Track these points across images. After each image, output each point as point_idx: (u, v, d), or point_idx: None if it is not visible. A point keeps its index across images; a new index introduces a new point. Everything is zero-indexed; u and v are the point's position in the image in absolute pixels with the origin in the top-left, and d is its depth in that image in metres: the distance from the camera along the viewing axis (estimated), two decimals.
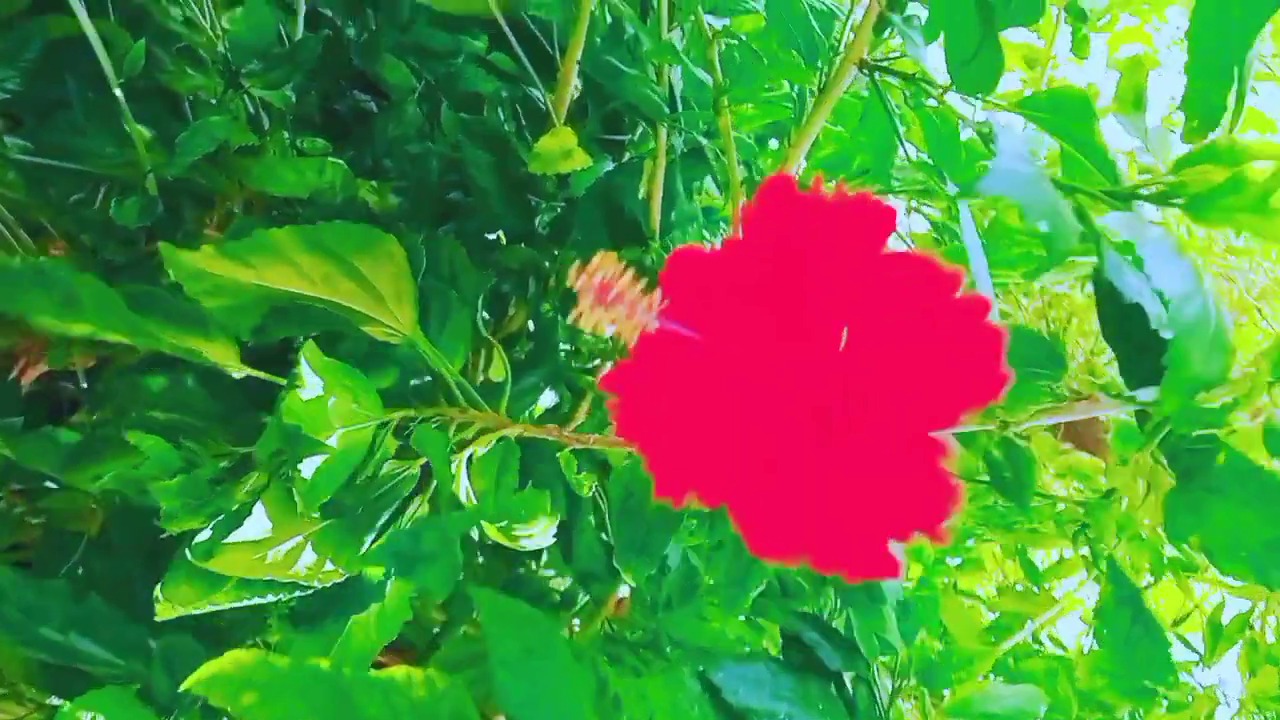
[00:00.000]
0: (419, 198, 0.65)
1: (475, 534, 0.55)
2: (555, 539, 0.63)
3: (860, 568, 0.30)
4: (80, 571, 0.63)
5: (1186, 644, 1.21)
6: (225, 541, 0.47)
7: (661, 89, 0.58)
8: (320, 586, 0.50)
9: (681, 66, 0.57)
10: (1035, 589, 1.25)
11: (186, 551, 0.46)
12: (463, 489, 0.53)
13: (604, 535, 0.68)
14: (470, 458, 0.54)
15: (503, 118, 0.80)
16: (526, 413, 0.70)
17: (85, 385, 0.68)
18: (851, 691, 0.63)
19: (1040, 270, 0.46)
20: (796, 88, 0.53)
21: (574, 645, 0.51)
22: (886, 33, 0.49)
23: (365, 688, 0.38)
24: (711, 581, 0.69)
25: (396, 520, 0.53)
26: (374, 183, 0.64)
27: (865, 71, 0.45)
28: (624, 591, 0.79)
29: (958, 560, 1.21)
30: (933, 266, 0.29)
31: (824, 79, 0.49)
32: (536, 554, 0.76)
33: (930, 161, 0.58)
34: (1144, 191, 0.42)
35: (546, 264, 0.68)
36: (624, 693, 0.57)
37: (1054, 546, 1.32)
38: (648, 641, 0.77)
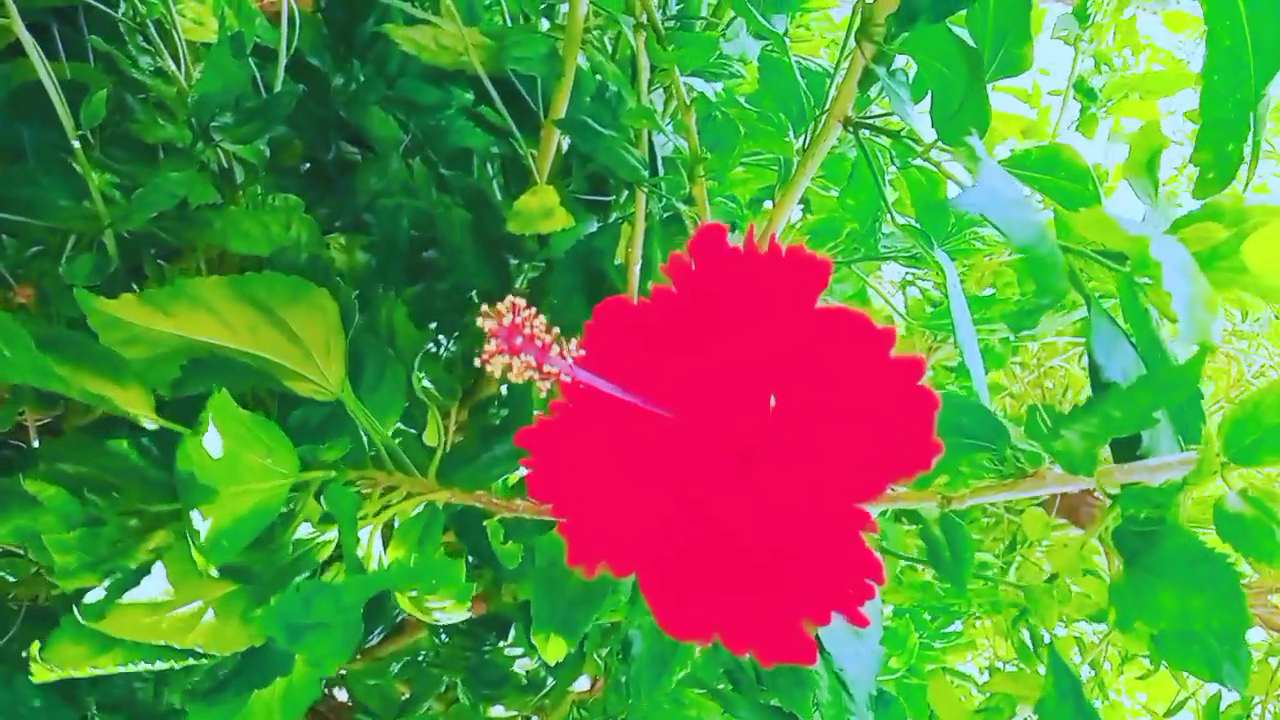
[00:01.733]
0: (388, 255, 0.62)
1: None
2: (515, 615, 0.60)
3: (774, 650, 0.28)
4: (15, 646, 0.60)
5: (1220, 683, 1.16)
6: (120, 602, 0.44)
7: (640, 152, 0.57)
8: (220, 656, 0.47)
9: (661, 130, 0.55)
10: (1027, 669, 1.20)
11: (75, 610, 0.44)
12: (376, 556, 0.50)
13: None
14: (392, 525, 0.52)
15: (491, 173, 0.78)
16: (500, 482, 0.67)
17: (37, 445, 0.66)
18: None
19: (1028, 318, 0.43)
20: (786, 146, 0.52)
21: None
22: (874, 91, 0.48)
23: None
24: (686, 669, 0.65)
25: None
26: (343, 240, 0.61)
27: (851, 130, 0.44)
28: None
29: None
30: (866, 324, 0.28)
31: (809, 139, 0.47)
32: (504, 633, 0.72)
33: (918, 225, 0.56)
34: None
35: None
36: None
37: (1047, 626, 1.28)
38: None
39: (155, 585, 0.45)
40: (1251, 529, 0.39)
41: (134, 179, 0.62)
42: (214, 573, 0.45)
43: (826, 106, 0.46)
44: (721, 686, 0.64)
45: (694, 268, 0.31)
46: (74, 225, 0.56)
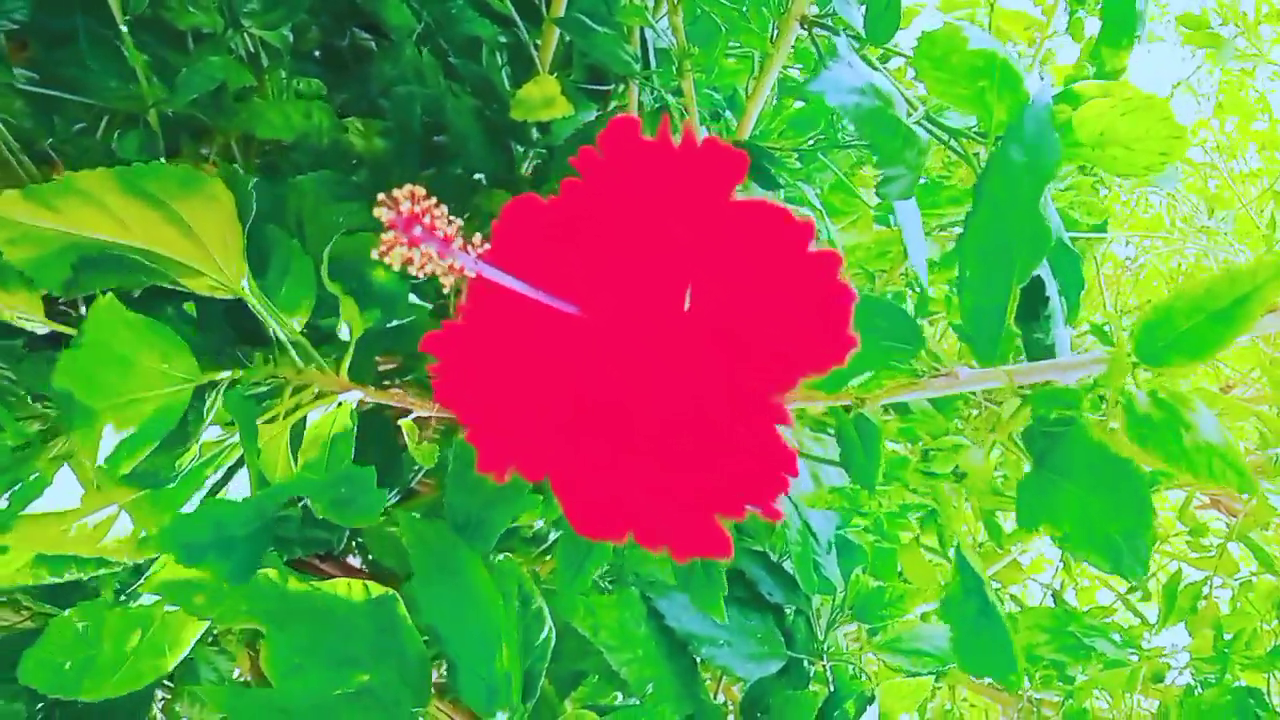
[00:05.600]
0: (404, 141, 0.67)
1: None
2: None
3: (688, 545, 0.28)
4: None
5: (1137, 613, 1.25)
6: (25, 513, 0.43)
7: (633, 47, 0.61)
8: (129, 564, 0.46)
9: (652, 27, 0.59)
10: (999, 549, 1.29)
11: None
12: (285, 460, 0.48)
13: None
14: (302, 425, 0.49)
15: (499, 63, 0.82)
16: None
17: None
18: (790, 624, 0.68)
19: (883, 184, 0.45)
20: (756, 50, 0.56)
21: (503, 565, 0.50)
22: None
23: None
24: None
25: (220, 487, 0.49)
26: (361, 125, 0.66)
27: (805, 27, 0.48)
28: None
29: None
30: (784, 217, 0.27)
31: (774, 36, 0.52)
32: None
33: None
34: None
35: None
36: (572, 610, 0.59)
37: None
38: (612, 576, 0.81)
39: (60, 494, 0.44)
40: (1160, 430, 0.39)
41: (166, 64, 0.67)
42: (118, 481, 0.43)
43: (788, 7, 0.50)
44: None
45: (604, 160, 0.29)
46: (120, 105, 0.61)
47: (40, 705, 0.59)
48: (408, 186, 0.27)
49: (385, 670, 0.38)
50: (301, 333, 0.50)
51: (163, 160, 0.64)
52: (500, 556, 0.91)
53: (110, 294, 0.43)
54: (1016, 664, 0.42)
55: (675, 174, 0.28)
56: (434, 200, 0.27)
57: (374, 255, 0.27)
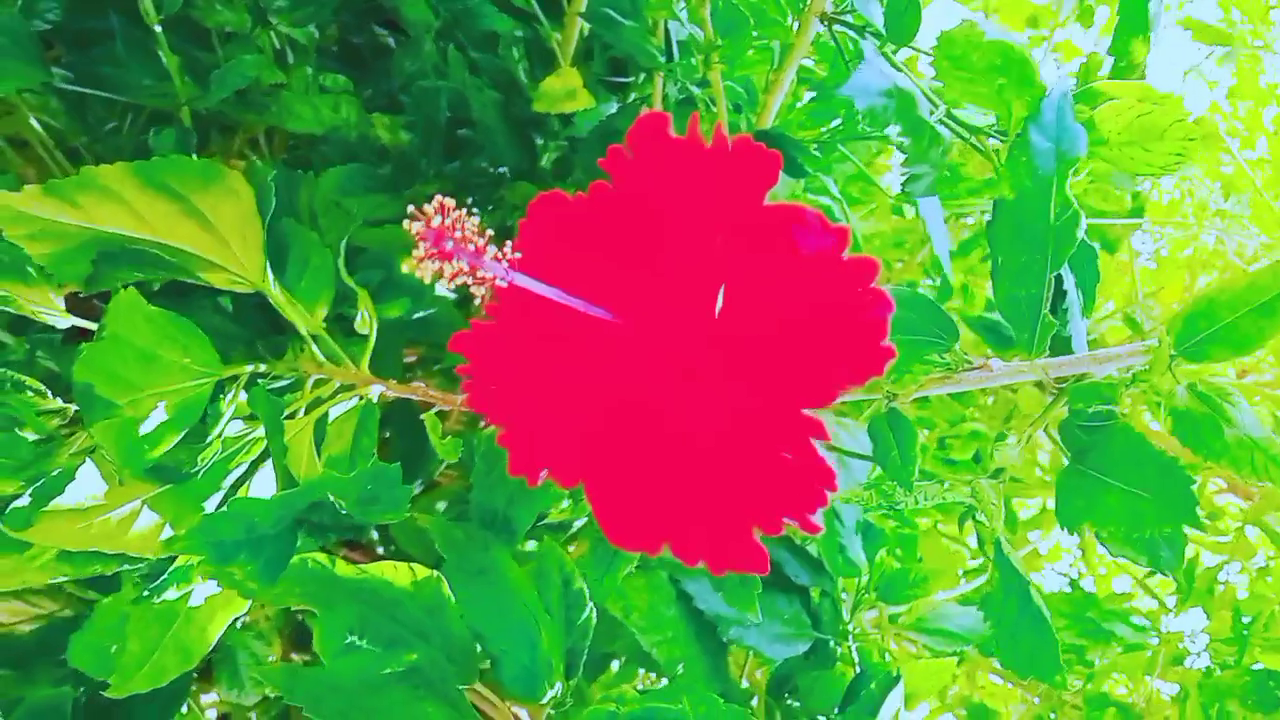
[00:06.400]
0: (428, 134, 0.68)
1: None
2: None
3: (725, 559, 0.27)
4: None
5: (1155, 597, 1.26)
6: (47, 509, 0.42)
7: (657, 40, 0.62)
8: (152, 560, 0.46)
9: (677, 19, 0.60)
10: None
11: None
12: (308, 455, 0.48)
13: None
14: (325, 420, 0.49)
15: (517, 57, 0.83)
16: None
17: None
18: (817, 606, 0.69)
19: (910, 182, 0.46)
20: (776, 42, 0.57)
21: (543, 548, 0.49)
22: None
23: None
24: None
25: (244, 482, 0.49)
26: (387, 120, 0.67)
27: (825, 23, 0.48)
28: None
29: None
30: (818, 222, 0.26)
31: (794, 30, 0.52)
32: None
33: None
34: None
35: None
36: (603, 594, 0.58)
37: (1036, 496, 1.38)
38: (640, 560, 0.82)
39: (84, 489, 0.43)
40: (1200, 425, 0.38)
41: (194, 61, 0.68)
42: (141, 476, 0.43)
43: (809, 3, 0.50)
44: None
45: (633, 159, 0.28)
46: (155, 103, 0.62)
47: (81, 689, 0.61)
48: (437, 199, 0.26)
49: (432, 650, 0.39)
50: (326, 325, 0.50)
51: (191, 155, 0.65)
52: (531, 544, 0.92)
53: (131, 288, 0.43)
54: (1060, 664, 0.41)
55: (706, 174, 0.27)
56: (463, 211, 0.27)
57: (404, 269, 0.27)
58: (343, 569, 0.39)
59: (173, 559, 0.47)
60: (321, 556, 0.39)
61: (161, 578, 0.47)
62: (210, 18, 0.67)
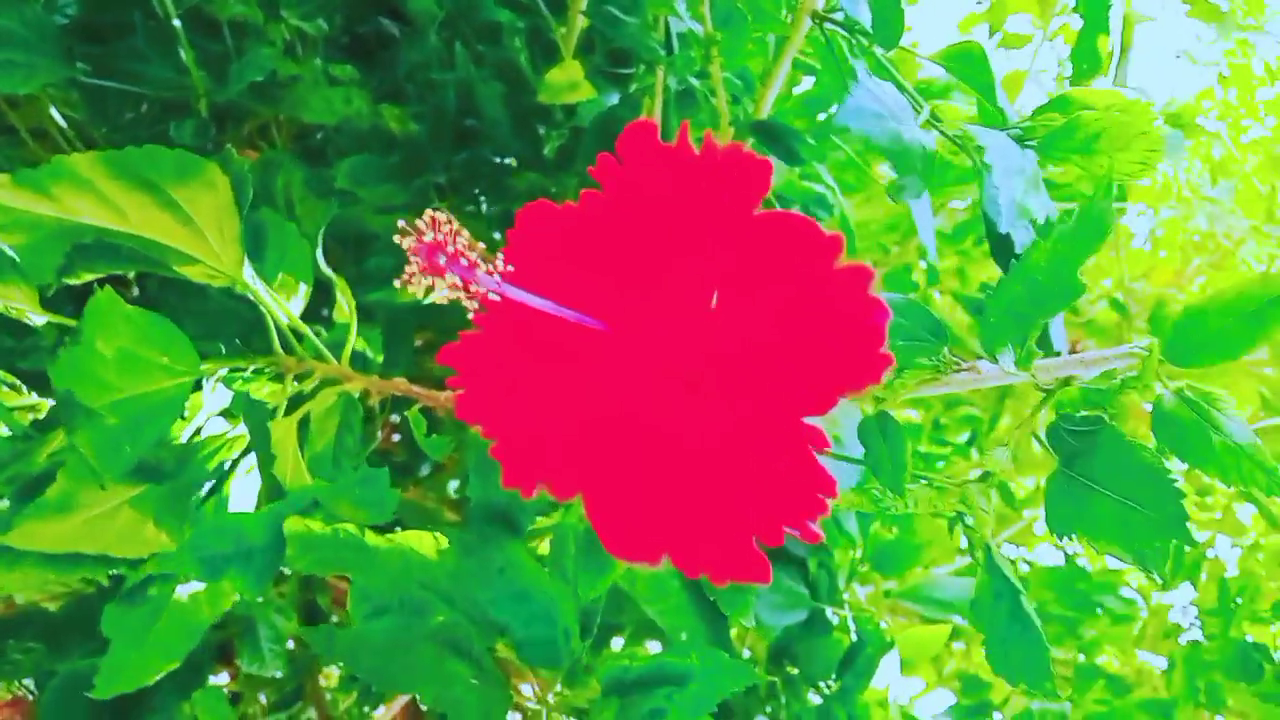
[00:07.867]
0: (437, 124, 0.70)
1: None
2: None
3: (725, 569, 0.27)
4: None
5: (1146, 574, 1.28)
6: (25, 512, 0.42)
7: (658, 35, 0.64)
8: (133, 560, 0.45)
9: (677, 15, 0.62)
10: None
11: None
12: (291, 453, 0.47)
13: None
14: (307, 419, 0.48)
15: (519, 48, 0.85)
16: None
17: None
18: (814, 577, 0.71)
19: (897, 190, 0.47)
20: (771, 35, 0.59)
21: (558, 525, 0.50)
22: None
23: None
24: None
25: (226, 480, 0.48)
26: (396, 110, 0.69)
27: (816, 22, 0.51)
28: None
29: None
30: (811, 229, 0.26)
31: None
32: None
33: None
34: (1011, 133, 0.47)
35: (553, 189, 0.74)
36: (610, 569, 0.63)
37: (1030, 475, 1.41)
38: None
39: (61, 490, 0.43)
40: (1188, 430, 0.37)
41: (207, 54, 0.70)
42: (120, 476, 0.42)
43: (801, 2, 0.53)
44: None
45: (623, 167, 0.28)
46: (173, 95, 0.64)
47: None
48: (428, 213, 0.26)
49: (456, 613, 0.42)
50: (317, 318, 0.51)
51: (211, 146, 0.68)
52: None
53: (109, 287, 0.42)
54: (1050, 672, 0.41)
55: (698, 183, 0.27)
56: (456, 225, 0.27)
57: (396, 284, 0.27)
58: (372, 539, 0.42)
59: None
60: (351, 526, 0.42)
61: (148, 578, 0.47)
62: (223, 10, 0.69)
